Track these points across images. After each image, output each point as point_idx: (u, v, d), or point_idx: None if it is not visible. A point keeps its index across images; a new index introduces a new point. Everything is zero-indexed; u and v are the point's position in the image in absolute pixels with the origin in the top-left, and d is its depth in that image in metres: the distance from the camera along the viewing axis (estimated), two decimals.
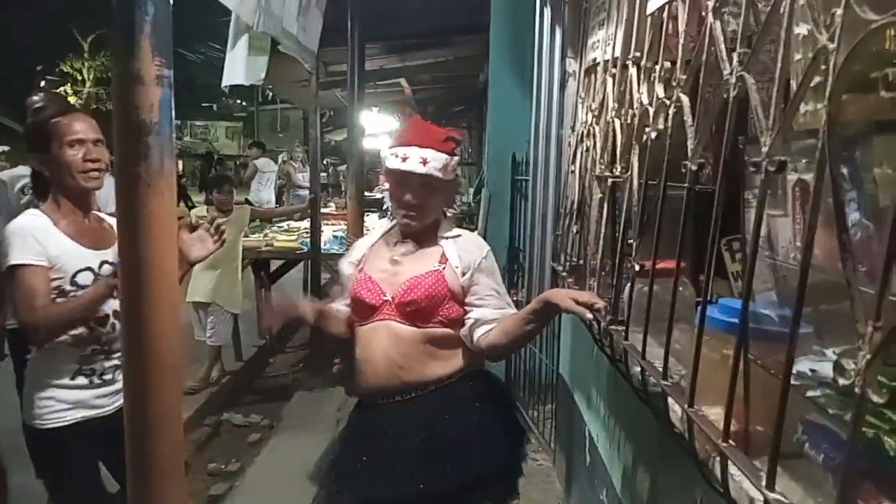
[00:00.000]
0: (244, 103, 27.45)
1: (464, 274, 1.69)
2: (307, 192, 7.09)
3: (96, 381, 1.84)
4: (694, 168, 1.07)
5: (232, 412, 3.99)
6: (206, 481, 3.20)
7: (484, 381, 1.78)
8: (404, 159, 1.64)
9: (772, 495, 0.73)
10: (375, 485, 1.63)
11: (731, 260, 1.40)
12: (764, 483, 0.75)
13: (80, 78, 19.80)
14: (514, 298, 3.70)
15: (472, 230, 5.21)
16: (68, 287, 1.77)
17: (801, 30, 0.92)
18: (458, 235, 1.77)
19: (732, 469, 0.90)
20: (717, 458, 0.99)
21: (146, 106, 1.10)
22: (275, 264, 5.27)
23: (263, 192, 8.92)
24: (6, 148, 8.27)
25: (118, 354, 1.83)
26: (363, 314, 1.71)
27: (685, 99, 1.15)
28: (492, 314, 1.67)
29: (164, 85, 1.13)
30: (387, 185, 1.75)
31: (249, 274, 4.93)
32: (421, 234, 1.75)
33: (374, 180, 8.68)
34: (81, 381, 1.82)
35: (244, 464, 3.36)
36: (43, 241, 1.74)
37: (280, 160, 10.01)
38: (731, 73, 0.97)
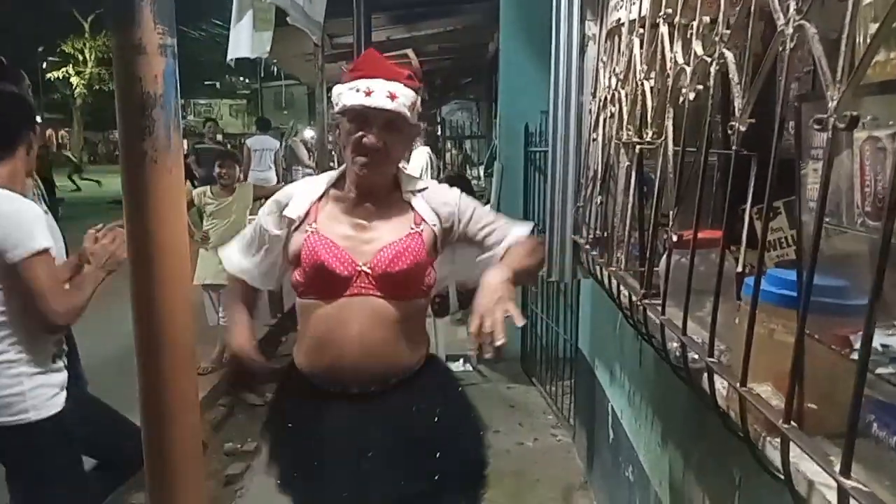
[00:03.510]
0: (248, 80, 27.20)
1: (450, 230, 1.54)
2: (313, 172, 6.95)
3: (64, 360, 1.83)
4: (743, 129, 0.99)
5: (246, 392, 3.96)
6: (223, 461, 3.19)
7: (436, 360, 1.68)
8: (368, 93, 1.41)
9: (849, 483, 0.66)
10: (362, 491, 1.46)
11: None
12: (838, 469, 0.68)
13: (81, 58, 19.63)
14: None
15: (486, 204, 5.14)
16: None
17: None
18: (424, 188, 1.56)
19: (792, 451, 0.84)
20: (769, 440, 0.93)
21: (149, 77, 1.02)
22: None
23: (264, 173, 8.15)
24: None
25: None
26: (330, 288, 1.45)
27: (730, 55, 1.07)
28: (518, 232, 1.55)
29: (168, 54, 1.04)
30: (340, 130, 1.49)
31: None
32: (381, 190, 1.52)
33: None
34: (59, 363, 1.79)
35: (259, 443, 3.35)
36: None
37: (285, 137, 9.88)
38: (786, 24, 0.89)
